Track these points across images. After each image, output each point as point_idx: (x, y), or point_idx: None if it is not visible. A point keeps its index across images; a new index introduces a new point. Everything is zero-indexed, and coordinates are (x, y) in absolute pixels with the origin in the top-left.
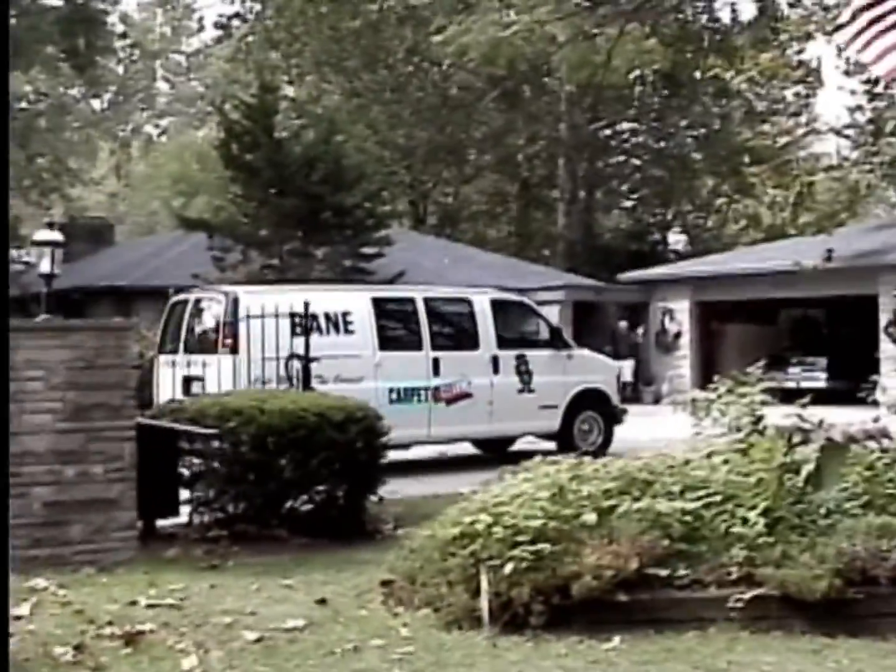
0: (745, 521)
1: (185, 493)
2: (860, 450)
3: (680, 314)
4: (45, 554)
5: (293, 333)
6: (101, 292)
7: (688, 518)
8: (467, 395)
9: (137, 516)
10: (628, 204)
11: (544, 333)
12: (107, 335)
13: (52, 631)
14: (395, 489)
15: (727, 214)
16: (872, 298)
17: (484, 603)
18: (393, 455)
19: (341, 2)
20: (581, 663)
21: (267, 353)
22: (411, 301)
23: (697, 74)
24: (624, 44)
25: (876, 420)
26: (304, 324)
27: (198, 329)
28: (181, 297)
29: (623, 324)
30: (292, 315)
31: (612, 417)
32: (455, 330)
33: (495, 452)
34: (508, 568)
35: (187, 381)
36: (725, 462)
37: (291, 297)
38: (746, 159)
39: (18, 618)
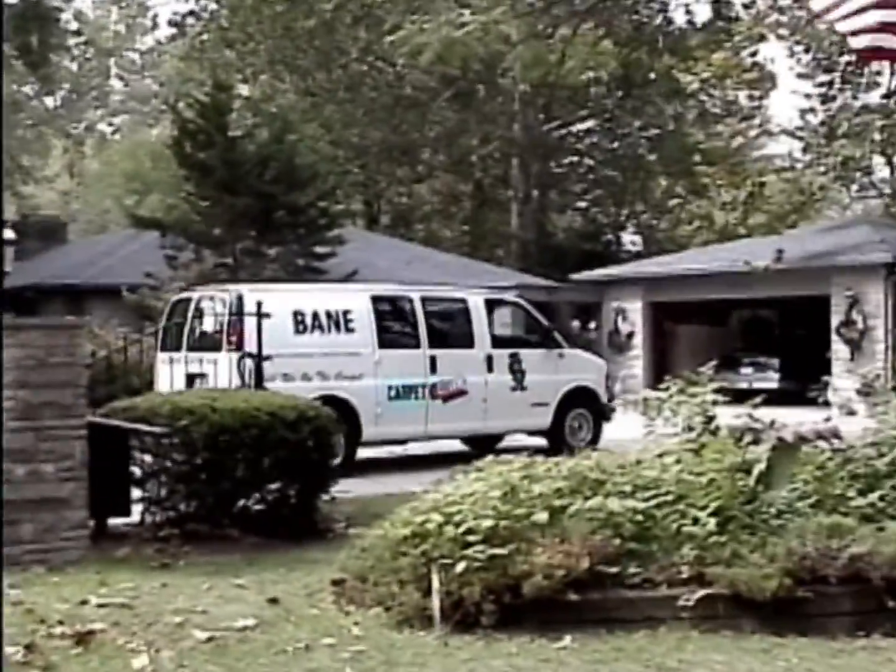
0: (696, 520)
1: (136, 492)
2: (811, 450)
3: (633, 314)
4: None
5: (296, 331)
6: (53, 291)
7: (639, 517)
8: (463, 393)
9: (88, 515)
10: (582, 204)
11: (536, 333)
12: (58, 334)
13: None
14: (347, 488)
15: (680, 215)
16: (825, 299)
17: (435, 602)
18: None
19: (296, 1)
20: (532, 662)
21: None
22: (409, 300)
23: (651, 75)
24: (578, 44)
25: (827, 420)
26: (258, 323)
27: (201, 327)
28: (183, 295)
29: (576, 323)
30: (295, 314)
31: (601, 414)
32: (451, 329)
33: (483, 449)
34: (460, 567)
35: (191, 379)
36: (677, 462)
37: (294, 297)
38: (699, 160)
39: None
